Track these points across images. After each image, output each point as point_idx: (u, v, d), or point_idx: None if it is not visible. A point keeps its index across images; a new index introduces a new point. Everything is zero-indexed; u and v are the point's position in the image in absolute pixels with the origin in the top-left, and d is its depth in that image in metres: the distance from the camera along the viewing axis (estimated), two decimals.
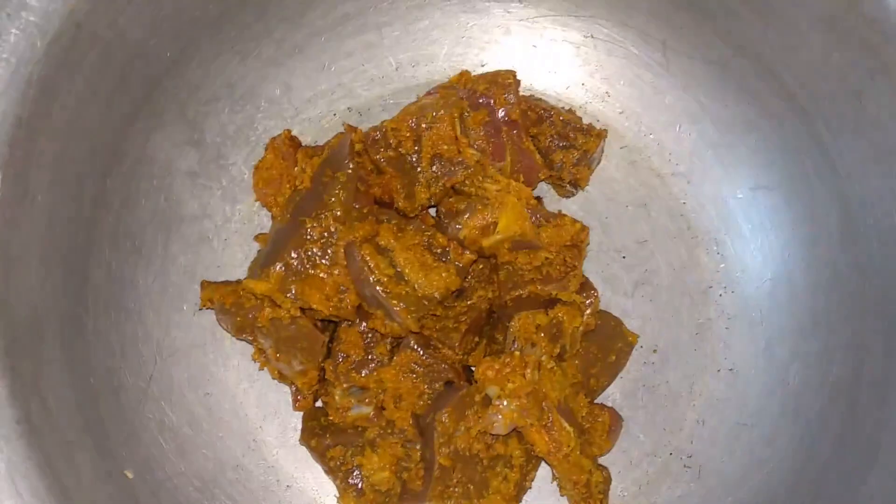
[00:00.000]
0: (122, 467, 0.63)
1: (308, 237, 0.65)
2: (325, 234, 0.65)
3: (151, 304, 0.70)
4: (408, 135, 0.67)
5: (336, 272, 0.65)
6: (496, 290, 0.69)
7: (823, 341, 0.69)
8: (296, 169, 0.70)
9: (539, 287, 0.67)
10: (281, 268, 0.65)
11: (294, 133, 0.74)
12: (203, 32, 0.69)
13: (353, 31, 0.75)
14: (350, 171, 0.66)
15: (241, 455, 0.71)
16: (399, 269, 0.65)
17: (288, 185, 0.71)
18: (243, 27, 0.71)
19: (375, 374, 0.67)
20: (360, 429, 0.68)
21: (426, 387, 0.67)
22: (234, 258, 0.73)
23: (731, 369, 0.72)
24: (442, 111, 0.67)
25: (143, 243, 0.70)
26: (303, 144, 0.74)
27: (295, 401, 0.71)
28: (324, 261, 0.65)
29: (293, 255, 0.65)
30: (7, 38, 0.54)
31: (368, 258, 0.64)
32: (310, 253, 0.65)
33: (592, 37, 0.75)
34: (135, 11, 0.62)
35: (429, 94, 0.72)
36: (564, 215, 0.69)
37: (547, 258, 0.67)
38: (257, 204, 0.74)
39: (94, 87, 0.62)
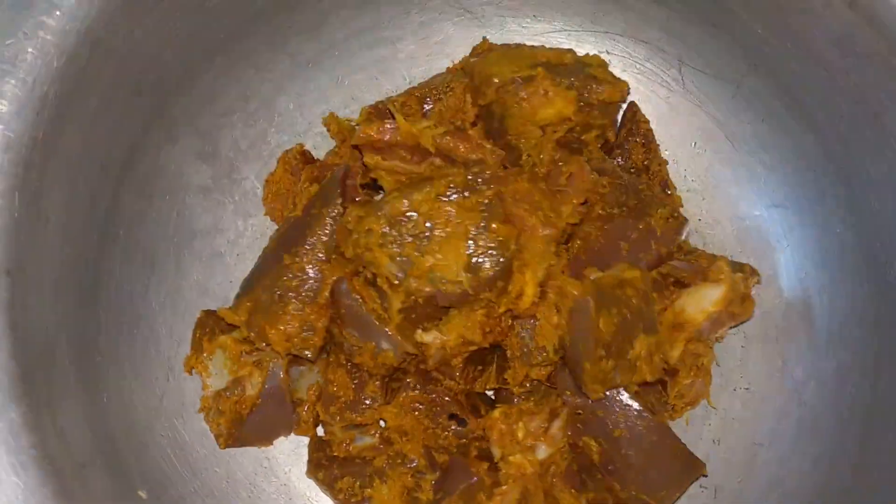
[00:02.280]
0: (135, 488, 0.63)
1: (286, 276, 0.64)
2: (300, 273, 0.64)
3: (164, 321, 0.69)
4: (416, 108, 0.67)
5: (307, 310, 0.64)
6: None
7: (840, 360, 0.68)
8: (297, 186, 0.69)
9: None
10: (250, 303, 0.64)
11: (307, 147, 0.73)
12: (217, 45, 0.68)
13: (366, 45, 0.74)
14: (339, 208, 0.65)
15: (253, 473, 0.70)
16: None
17: (292, 202, 0.70)
18: (258, 40, 0.70)
19: (374, 411, 0.66)
20: (367, 458, 0.67)
21: (430, 421, 0.67)
22: (247, 274, 0.73)
23: (746, 388, 0.72)
24: (453, 84, 0.67)
25: (155, 259, 0.69)
26: (315, 158, 0.73)
27: (296, 425, 0.70)
28: (296, 299, 0.64)
29: (263, 291, 0.64)
30: (24, 58, 0.54)
31: (360, 289, 0.63)
32: (280, 292, 0.64)
33: (607, 52, 0.74)
34: (151, 24, 0.61)
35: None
36: None
37: None
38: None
39: (108, 102, 0.61)
